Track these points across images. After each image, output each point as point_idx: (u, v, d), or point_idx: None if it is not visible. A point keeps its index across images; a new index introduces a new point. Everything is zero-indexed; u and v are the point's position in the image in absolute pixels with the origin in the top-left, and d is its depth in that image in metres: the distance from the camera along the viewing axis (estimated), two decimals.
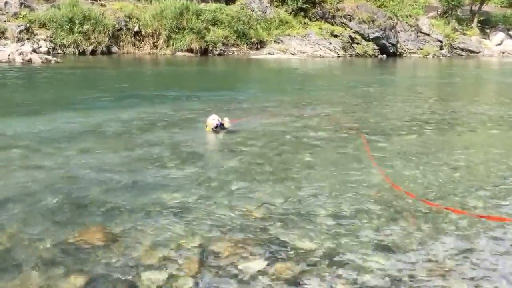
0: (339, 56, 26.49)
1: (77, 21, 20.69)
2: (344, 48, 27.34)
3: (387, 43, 29.81)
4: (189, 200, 3.65)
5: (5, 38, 19.08)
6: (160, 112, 7.57)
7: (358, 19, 29.11)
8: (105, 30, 21.42)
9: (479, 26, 38.35)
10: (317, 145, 5.64)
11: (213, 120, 5.74)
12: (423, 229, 3.28)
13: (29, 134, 5.75)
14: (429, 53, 31.43)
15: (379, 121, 7.32)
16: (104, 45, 21.33)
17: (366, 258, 2.83)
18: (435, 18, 35.65)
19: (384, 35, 29.61)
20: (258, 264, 2.72)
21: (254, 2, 26.96)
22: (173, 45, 23.12)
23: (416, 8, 34.41)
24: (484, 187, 4.19)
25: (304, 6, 27.95)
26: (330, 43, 26.97)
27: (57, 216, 3.30)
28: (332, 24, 28.63)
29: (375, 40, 29.13)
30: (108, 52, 21.51)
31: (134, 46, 22.78)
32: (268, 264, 2.72)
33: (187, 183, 4.06)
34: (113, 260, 2.72)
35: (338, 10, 29.18)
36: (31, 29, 20.34)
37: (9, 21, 20.14)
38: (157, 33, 23.04)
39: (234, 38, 24.78)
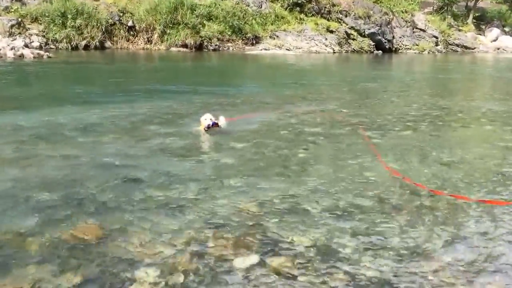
0: (334, 52, 26.41)
1: (69, 16, 20.46)
2: (340, 44, 27.24)
3: (383, 39, 29.74)
4: (184, 196, 3.63)
5: None
6: (155, 108, 7.50)
7: (354, 15, 29.00)
8: (98, 24, 21.19)
9: (474, 22, 38.42)
10: (313, 140, 5.61)
11: (205, 120, 5.64)
12: (422, 223, 3.24)
13: (22, 130, 5.68)
14: (424, 49, 31.40)
15: (374, 117, 7.28)
16: (97, 40, 21.10)
17: (363, 253, 2.80)
18: (431, 14, 35.67)
19: (380, 30, 29.53)
20: (252, 259, 2.70)
21: None
22: (167, 40, 22.93)
23: (412, 3, 34.33)
24: (478, 182, 4.17)
25: (299, 1, 27.79)
26: (326, 39, 26.86)
27: (50, 212, 3.27)
28: (328, 20, 28.49)
29: (371, 36, 29.04)
30: (101, 47, 21.29)
31: (128, 41, 22.56)
32: (262, 260, 2.70)
33: (182, 179, 4.03)
34: (107, 256, 2.70)
35: (334, 5, 29.02)
36: (23, 23, 20.09)
37: (0, 16, 19.87)
38: (151, 28, 22.83)
39: (229, 33, 24.61)
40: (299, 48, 25.58)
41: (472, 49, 34.80)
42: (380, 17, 29.89)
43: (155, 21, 22.68)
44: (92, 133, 5.69)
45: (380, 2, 31.52)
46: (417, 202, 3.64)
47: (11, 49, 16.52)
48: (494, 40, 37.63)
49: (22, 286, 2.39)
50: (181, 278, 2.50)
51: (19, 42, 17.85)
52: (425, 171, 4.47)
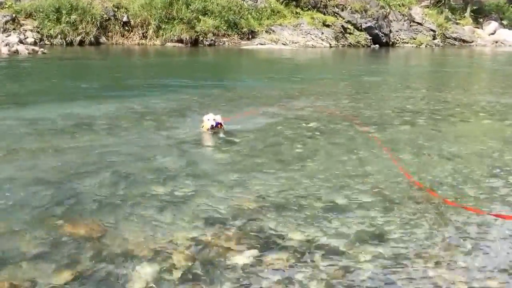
0: (331, 46, 26.32)
1: (64, 11, 20.34)
2: (336, 38, 27.14)
3: (380, 33, 29.64)
4: (181, 192, 3.61)
5: None
6: (151, 104, 7.45)
7: (350, 9, 28.91)
8: (93, 20, 21.08)
9: (472, 16, 38.29)
10: (310, 136, 5.58)
11: (208, 120, 5.47)
12: (422, 220, 3.22)
13: (17, 126, 5.64)
14: (422, 43, 31.32)
15: (371, 112, 7.23)
16: (92, 35, 20.99)
17: (361, 249, 2.79)
18: (428, 7, 35.54)
19: (376, 24, 29.43)
20: (250, 255, 2.68)
21: None
22: (162, 35, 22.80)
23: None
24: (476, 177, 4.14)
25: None
26: (322, 33, 26.76)
27: (45, 208, 3.24)
28: (324, 14, 28.38)
29: (368, 30, 28.96)
30: (96, 42, 21.19)
31: (123, 36, 22.45)
32: (260, 256, 2.68)
33: (178, 175, 4.01)
34: (104, 253, 2.67)
35: None
36: (17, 19, 19.99)
37: None
38: (146, 23, 22.70)
39: (224, 28, 24.50)
40: (295, 43, 25.49)
41: (470, 42, 34.72)
42: (377, 11, 29.77)
43: (150, 16, 22.56)
44: (89, 129, 5.65)
45: None
46: (417, 198, 3.59)
47: (6, 45, 16.45)
48: (492, 34, 37.55)
49: (17, 283, 2.37)
50: (178, 274, 2.49)
51: (13, 38, 17.76)
52: (423, 166, 4.43)
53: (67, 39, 20.37)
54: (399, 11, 32.13)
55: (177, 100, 7.92)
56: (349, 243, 2.85)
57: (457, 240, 2.94)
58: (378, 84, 11.60)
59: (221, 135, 5.50)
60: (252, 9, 26.13)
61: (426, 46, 31.33)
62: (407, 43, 31.23)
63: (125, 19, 22.50)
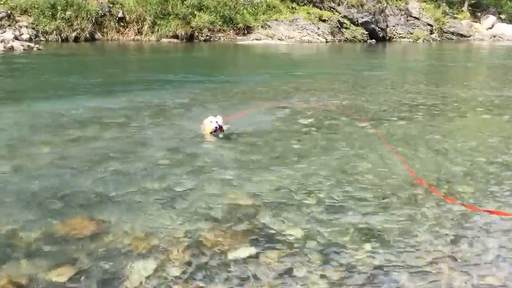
0: (327, 41, 26.31)
1: (59, 7, 20.34)
2: (332, 33, 27.13)
3: (376, 28, 29.60)
4: (178, 189, 3.59)
5: None
6: (147, 100, 7.40)
7: (346, 3, 28.87)
8: (88, 16, 21.07)
9: (470, 10, 38.22)
10: (307, 131, 5.54)
11: (211, 123, 5.21)
12: (420, 216, 3.21)
13: (13, 123, 5.61)
14: (419, 38, 31.28)
15: (368, 107, 7.20)
16: (87, 31, 20.98)
17: (359, 245, 2.78)
18: (425, 1, 35.41)
19: (373, 19, 29.39)
20: (247, 252, 2.68)
21: None
22: (158, 31, 22.80)
23: None
24: (473, 173, 4.14)
25: None
26: (318, 28, 26.75)
27: (43, 206, 3.23)
28: (320, 9, 28.35)
29: (364, 24, 28.92)
30: (91, 38, 21.18)
31: (118, 32, 22.44)
32: (257, 253, 2.67)
33: (175, 172, 3.99)
34: (101, 250, 2.67)
35: None
36: (13, 15, 19.99)
37: None
38: (142, 19, 22.70)
39: (220, 23, 24.49)
40: (291, 38, 25.49)
41: (468, 37, 34.68)
42: (374, 6, 29.74)
43: (145, 12, 22.55)
44: (84, 125, 5.62)
45: None
46: (415, 194, 3.59)
47: (1, 41, 16.45)
48: (490, 28, 37.49)
49: (15, 280, 2.37)
50: (175, 271, 2.48)
51: (8, 34, 17.78)
52: (420, 161, 4.41)
53: (62, 35, 20.37)
54: (396, 6, 32.08)
55: (173, 96, 7.85)
56: (348, 240, 2.84)
57: (455, 236, 2.93)
58: (375, 79, 11.53)
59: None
60: (248, 4, 26.09)
61: (423, 40, 31.29)
62: (404, 38, 31.20)
63: (120, 15, 22.49)
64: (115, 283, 2.38)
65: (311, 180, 3.84)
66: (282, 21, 26.33)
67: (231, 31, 24.84)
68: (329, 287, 2.39)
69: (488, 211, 3.27)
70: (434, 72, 14.53)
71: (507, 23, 38.29)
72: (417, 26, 32.35)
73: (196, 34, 23.59)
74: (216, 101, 7.35)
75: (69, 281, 2.38)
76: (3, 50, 15.81)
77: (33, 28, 19.97)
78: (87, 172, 3.91)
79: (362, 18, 28.86)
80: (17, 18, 20.09)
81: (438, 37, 33.10)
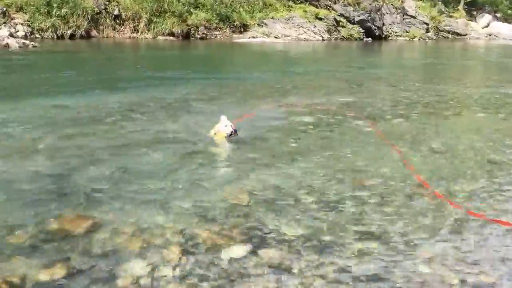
0: (323, 40, 26.29)
1: (55, 5, 20.18)
2: (329, 31, 27.13)
3: (373, 26, 29.64)
4: (173, 188, 3.59)
5: None
6: (143, 98, 7.39)
7: (343, 2, 28.89)
8: (84, 13, 20.91)
9: (465, 9, 38.35)
10: (303, 130, 5.55)
11: (226, 127, 4.82)
12: (416, 215, 3.22)
13: (8, 120, 5.60)
14: (415, 36, 31.36)
15: (365, 105, 7.22)
16: (83, 29, 20.83)
17: (354, 244, 2.78)
18: (421, 0, 35.47)
19: (369, 17, 29.43)
20: (242, 250, 2.68)
21: None
22: (154, 29, 22.68)
23: None
24: (469, 172, 4.15)
25: None
26: (315, 26, 26.73)
27: (37, 203, 3.22)
28: (317, 7, 28.33)
29: (361, 23, 28.95)
30: (87, 36, 21.06)
31: (114, 30, 22.30)
32: (252, 251, 2.67)
33: (171, 170, 3.98)
34: (95, 248, 2.66)
35: None
36: (8, 13, 19.84)
37: None
38: (138, 16, 22.56)
39: (216, 21, 24.39)
40: (288, 36, 25.46)
41: (464, 35, 34.82)
42: (370, 4, 29.76)
43: (142, 9, 22.42)
44: (80, 122, 5.61)
45: None
46: (411, 193, 3.60)
47: None
48: (486, 27, 37.64)
49: (9, 279, 2.35)
50: (170, 270, 2.48)
51: (4, 31, 17.64)
52: (416, 159, 4.43)
53: (58, 32, 20.22)
54: (392, 4, 32.11)
55: (169, 94, 7.85)
56: (345, 238, 2.84)
57: (452, 237, 2.93)
58: (372, 77, 11.56)
59: None
60: (244, 2, 26.01)
61: (419, 39, 31.37)
62: (400, 36, 31.26)
63: (116, 12, 22.37)
64: (108, 281, 2.37)
65: (308, 178, 3.85)
66: (278, 19, 26.28)
67: (228, 29, 24.76)
68: (326, 286, 2.39)
69: (486, 219, 3.23)
70: (431, 70, 14.59)
71: (503, 22, 38.41)
72: (413, 25, 32.44)
73: (193, 32, 23.50)
74: (215, 99, 7.35)
75: (62, 280, 2.37)
76: None
77: (29, 26, 19.81)
78: (81, 169, 3.90)
79: (359, 16, 28.88)
80: (13, 15, 19.93)
81: (434, 35, 33.20)
